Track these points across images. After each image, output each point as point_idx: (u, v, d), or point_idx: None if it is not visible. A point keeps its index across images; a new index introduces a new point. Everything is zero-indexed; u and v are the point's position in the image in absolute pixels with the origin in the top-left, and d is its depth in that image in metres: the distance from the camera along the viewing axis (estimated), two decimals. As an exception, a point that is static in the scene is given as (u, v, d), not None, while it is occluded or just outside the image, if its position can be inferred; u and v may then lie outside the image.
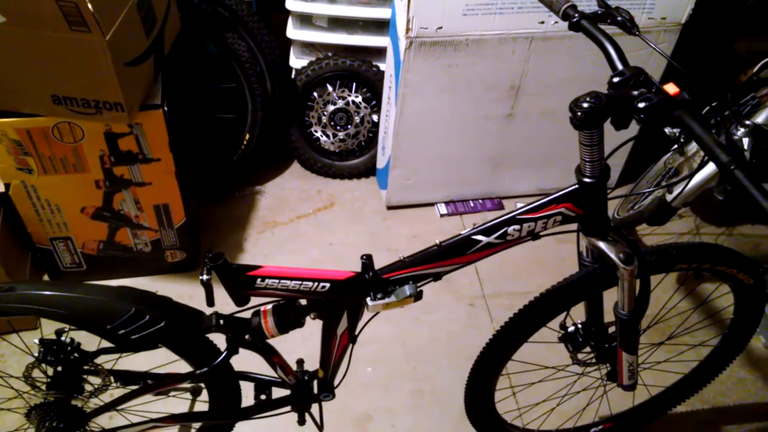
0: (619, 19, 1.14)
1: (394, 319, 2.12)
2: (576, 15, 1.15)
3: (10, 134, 1.73)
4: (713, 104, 1.92)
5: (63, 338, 1.28)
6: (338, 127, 2.54)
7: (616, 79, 1.02)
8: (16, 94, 1.66)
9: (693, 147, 2.07)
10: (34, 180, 1.85)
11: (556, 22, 2.04)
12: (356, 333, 1.32)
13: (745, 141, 1.70)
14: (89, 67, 1.56)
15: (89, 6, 1.42)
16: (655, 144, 2.17)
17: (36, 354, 1.28)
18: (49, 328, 1.31)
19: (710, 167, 1.92)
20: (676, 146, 2.08)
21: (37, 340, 1.28)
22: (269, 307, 1.26)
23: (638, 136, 1.16)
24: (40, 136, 1.75)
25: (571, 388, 1.69)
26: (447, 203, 2.58)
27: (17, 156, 1.79)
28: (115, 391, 1.36)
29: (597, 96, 0.99)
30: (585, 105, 0.99)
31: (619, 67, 1.06)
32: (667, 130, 1.93)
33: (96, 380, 1.35)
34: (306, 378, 1.43)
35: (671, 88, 0.98)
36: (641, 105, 0.96)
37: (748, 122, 1.64)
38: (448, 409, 1.92)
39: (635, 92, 0.99)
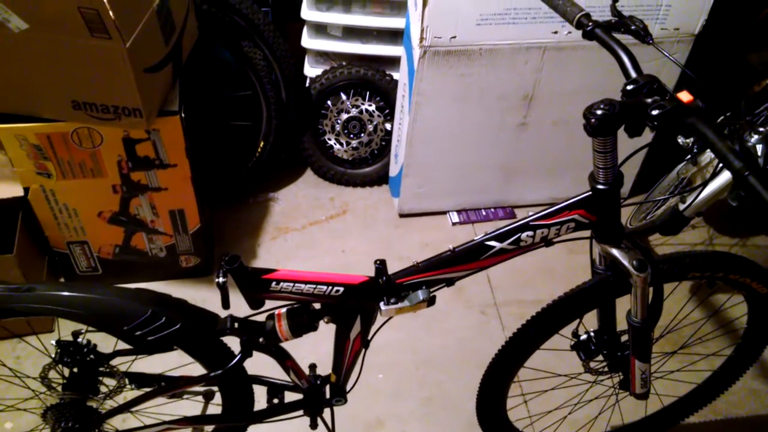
0: (632, 28, 1.14)
1: (405, 326, 2.12)
2: (590, 24, 1.16)
3: (31, 139, 1.76)
4: (727, 114, 1.92)
5: (79, 340, 1.30)
6: (351, 135, 2.55)
7: (629, 87, 1.03)
8: (37, 99, 1.69)
9: (706, 157, 2.07)
10: (52, 184, 1.88)
11: (569, 32, 2.05)
12: (369, 338, 1.33)
13: (759, 148, 1.70)
14: (109, 73, 1.59)
15: (110, 13, 1.44)
16: (668, 154, 2.17)
17: (53, 355, 1.30)
18: (65, 330, 1.33)
19: (723, 178, 1.92)
20: (689, 156, 2.08)
21: (54, 342, 1.30)
22: (283, 310, 1.27)
23: (651, 144, 1.16)
24: (59, 140, 1.78)
25: (583, 397, 1.69)
26: (459, 212, 2.58)
27: (37, 160, 1.82)
28: (130, 393, 1.38)
29: (611, 103, 1.00)
30: (599, 112, 1.00)
31: (633, 75, 1.06)
32: (680, 140, 1.93)
33: (111, 382, 1.37)
34: (318, 382, 1.44)
35: (685, 96, 0.99)
36: (655, 112, 0.97)
37: (762, 129, 1.64)
38: (458, 416, 1.92)
39: (649, 100, 0.99)
